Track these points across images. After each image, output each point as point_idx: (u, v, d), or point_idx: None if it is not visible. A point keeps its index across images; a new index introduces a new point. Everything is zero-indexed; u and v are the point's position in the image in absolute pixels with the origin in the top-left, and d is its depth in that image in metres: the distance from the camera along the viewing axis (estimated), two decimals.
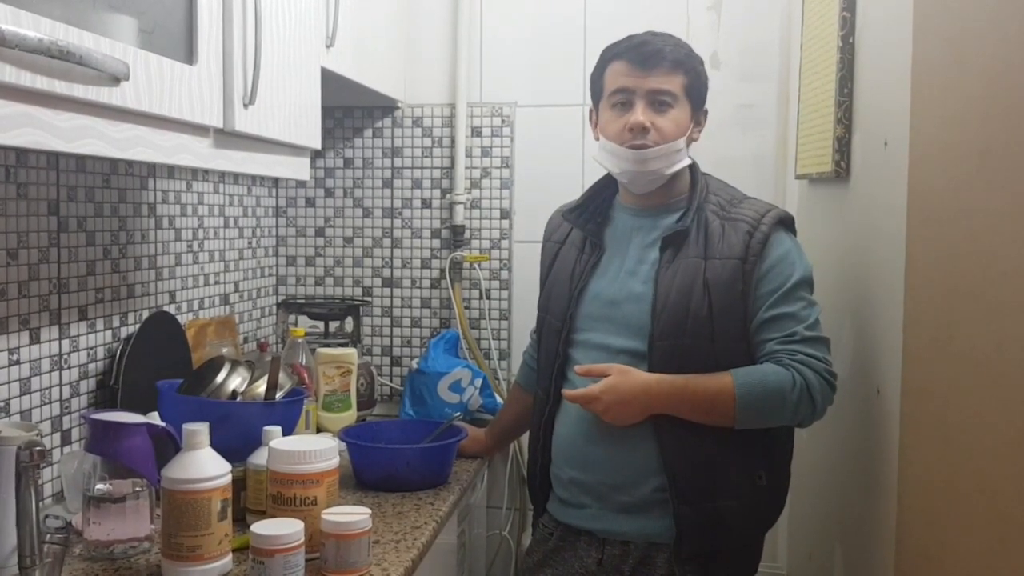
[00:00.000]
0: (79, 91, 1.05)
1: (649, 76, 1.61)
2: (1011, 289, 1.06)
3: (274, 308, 2.54)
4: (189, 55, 1.32)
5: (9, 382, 1.51)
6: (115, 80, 1.10)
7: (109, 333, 1.76)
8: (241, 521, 1.48)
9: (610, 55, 1.67)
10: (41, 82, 0.99)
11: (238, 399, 1.63)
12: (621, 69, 1.64)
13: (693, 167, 1.71)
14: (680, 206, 1.67)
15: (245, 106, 1.45)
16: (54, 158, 1.60)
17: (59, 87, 1.02)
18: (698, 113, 1.68)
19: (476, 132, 2.47)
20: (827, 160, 1.84)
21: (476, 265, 2.48)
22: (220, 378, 1.65)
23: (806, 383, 1.52)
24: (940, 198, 1.31)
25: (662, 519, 1.58)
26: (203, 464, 1.32)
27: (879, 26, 1.67)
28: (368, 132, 2.53)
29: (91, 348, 1.71)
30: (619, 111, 1.64)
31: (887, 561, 1.49)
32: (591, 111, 1.74)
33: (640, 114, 1.61)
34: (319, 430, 2.03)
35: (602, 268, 1.69)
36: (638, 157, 1.62)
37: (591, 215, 1.75)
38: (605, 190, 1.77)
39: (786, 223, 1.64)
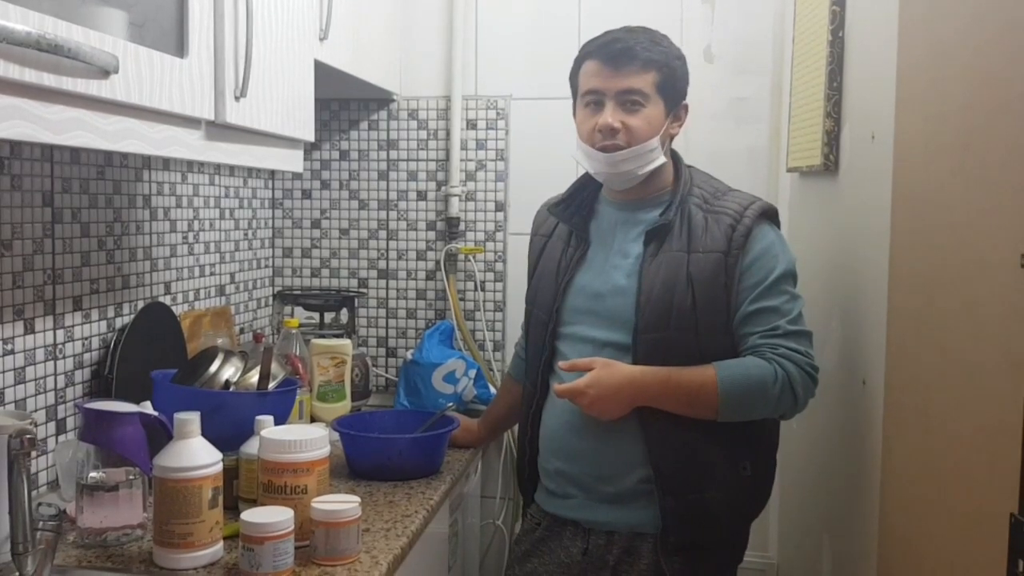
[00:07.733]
0: (68, 84, 1.07)
1: (619, 76, 1.59)
2: (988, 282, 1.07)
3: (270, 299, 2.56)
4: (180, 48, 1.33)
5: (3, 371, 1.52)
6: (104, 73, 1.12)
7: (104, 323, 1.78)
8: (234, 509, 1.50)
9: (584, 53, 1.66)
10: (30, 75, 1.01)
11: (231, 389, 1.65)
12: (592, 69, 1.63)
13: (677, 160, 1.71)
14: (664, 199, 1.67)
15: (236, 99, 1.46)
16: (48, 150, 1.61)
17: (48, 80, 1.03)
18: (676, 109, 1.66)
19: (471, 125, 2.48)
20: (816, 153, 1.85)
21: (471, 257, 2.50)
22: (213, 368, 1.66)
23: (788, 377, 1.52)
24: (923, 192, 1.33)
25: (647, 509, 1.60)
26: (194, 453, 1.34)
27: (867, 22, 1.68)
28: (364, 124, 2.54)
29: (86, 338, 1.73)
30: (591, 111, 1.63)
31: (871, 549, 1.51)
32: (573, 108, 1.71)
33: (609, 115, 1.59)
34: (313, 420, 2.05)
35: (588, 262, 1.70)
36: (609, 160, 1.61)
37: (576, 209, 1.75)
38: (590, 184, 1.76)
39: (769, 216, 1.63)
